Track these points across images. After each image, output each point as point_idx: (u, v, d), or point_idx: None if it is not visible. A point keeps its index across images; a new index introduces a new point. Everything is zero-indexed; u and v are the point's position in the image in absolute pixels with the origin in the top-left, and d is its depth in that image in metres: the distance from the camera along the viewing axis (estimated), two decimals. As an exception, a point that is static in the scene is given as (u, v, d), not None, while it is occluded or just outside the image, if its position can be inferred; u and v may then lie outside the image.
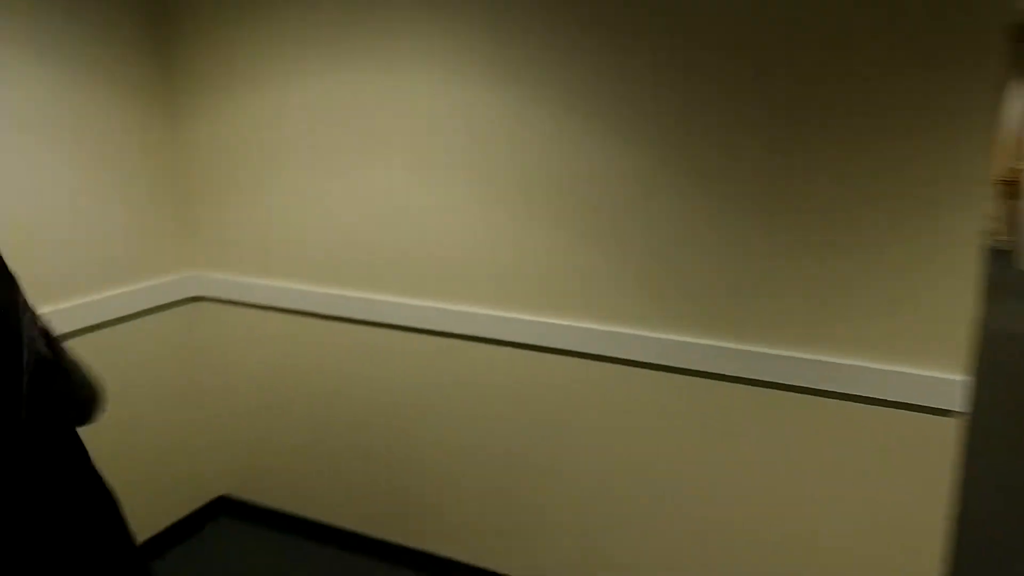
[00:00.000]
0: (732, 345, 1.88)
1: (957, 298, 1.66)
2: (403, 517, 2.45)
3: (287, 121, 2.28)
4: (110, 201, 2.28)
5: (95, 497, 1.10)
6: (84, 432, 1.10)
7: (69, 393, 1.08)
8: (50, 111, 2.07)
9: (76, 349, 2.21)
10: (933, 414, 1.73)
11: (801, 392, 1.85)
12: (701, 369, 1.93)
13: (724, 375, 1.92)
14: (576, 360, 2.07)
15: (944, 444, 1.73)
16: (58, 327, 2.12)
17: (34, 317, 1.03)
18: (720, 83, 1.76)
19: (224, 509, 2.78)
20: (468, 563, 2.38)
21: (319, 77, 2.19)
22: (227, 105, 2.37)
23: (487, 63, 1.97)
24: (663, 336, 1.95)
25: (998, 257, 8.40)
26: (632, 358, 1.99)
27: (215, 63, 2.35)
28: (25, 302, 1.01)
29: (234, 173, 2.42)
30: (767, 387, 1.88)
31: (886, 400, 1.77)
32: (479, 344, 2.19)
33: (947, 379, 1.69)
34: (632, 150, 1.88)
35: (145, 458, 2.46)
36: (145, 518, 2.49)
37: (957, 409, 1.70)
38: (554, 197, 1.99)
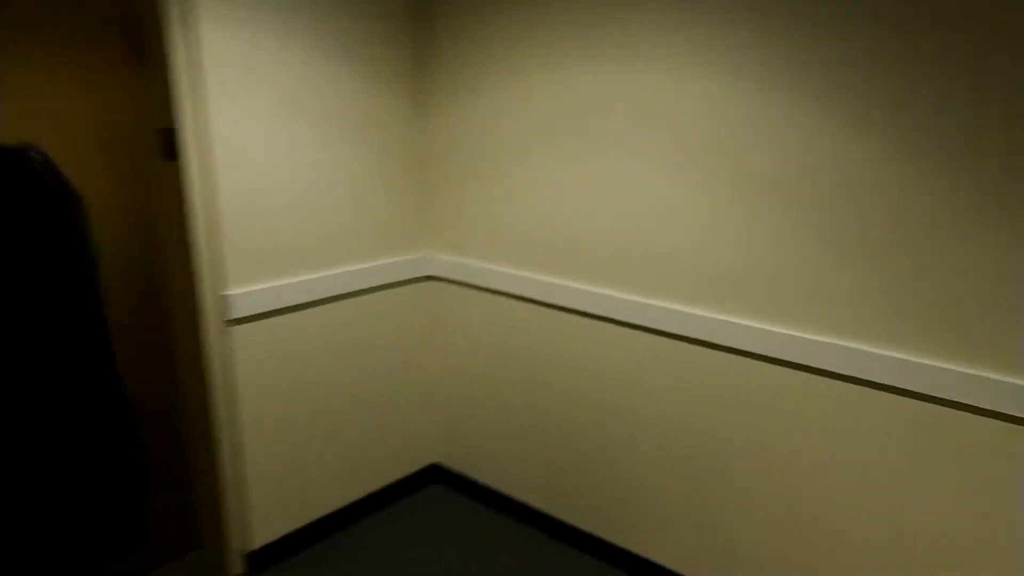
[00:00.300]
0: (995, 376, 1.64)
1: None
2: (601, 509, 2.45)
3: (526, 113, 2.38)
4: (368, 182, 2.53)
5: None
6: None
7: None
8: (325, 99, 2.35)
9: (333, 313, 2.50)
10: None
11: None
12: (956, 400, 1.70)
13: (983, 409, 1.68)
14: (804, 375, 1.93)
15: None
16: (318, 291, 2.40)
17: None
18: (1018, 87, 1.54)
19: (436, 477, 2.98)
20: (663, 565, 2.33)
21: (559, 71, 2.25)
22: (472, 96, 2.52)
23: (735, 59, 1.90)
24: (911, 358, 1.75)
25: None
26: (873, 379, 1.81)
27: (465, 56, 2.51)
28: None
29: (473, 161, 2.57)
30: (1039, 430, 1.62)
31: None
32: (696, 346, 2.12)
33: None
34: (898, 157, 1.70)
35: (372, 417, 2.71)
36: (365, 475, 2.74)
37: None
38: (797, 202, 1.86)
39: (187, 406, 2.39)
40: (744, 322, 2.00)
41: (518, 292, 2.51)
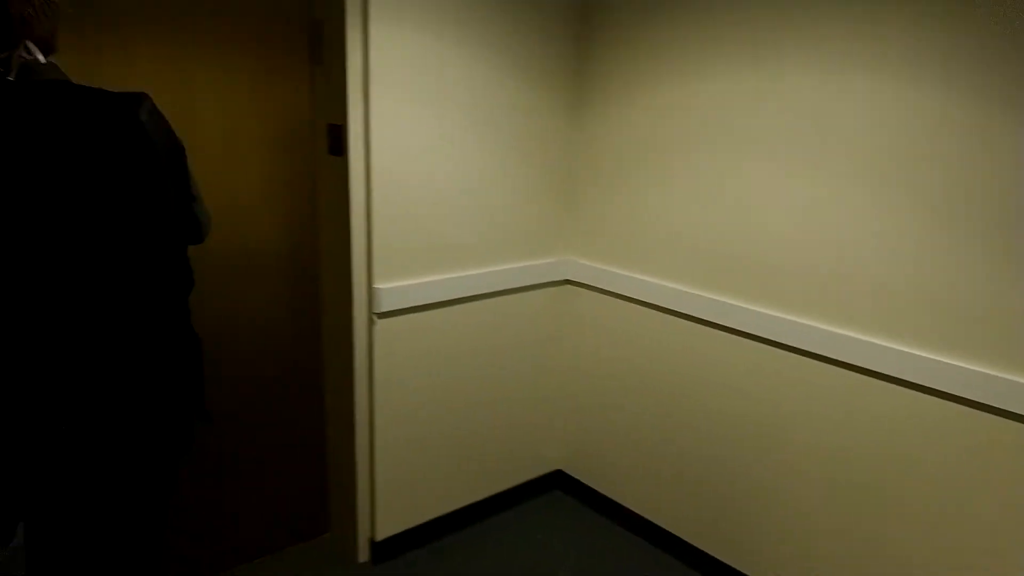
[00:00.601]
0: None
1: None
2: (734, 535, 2.35)
3: (680, 120, 2.30)
4: (517, 184, 2.51)
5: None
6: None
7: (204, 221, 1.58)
8: (482, 100, 2.35)
9: (471, 313, 2.51)
10: None
11: None
12: None
13: None
14: (989, 417, 1.77)
15: None
16: (458, 290, 2.42)
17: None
18: None
19: (559, 483, 2.95)
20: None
21: (718, 76, 2.16)
22: (626, 102, 2.46)
23: (904, 60, 1.76)
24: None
25: None
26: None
27: (621, 60, 2.45)
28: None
29: (622, 167, 2.52)
30: None
31: None
32: (847, 371, 1.98)
33: None
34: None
35: (500, 419, 2.70)
36: (490, 476, 2.73)
37: None
38: (984, 217, 1.70)
39: (329, 393, 2.45)
40: (916, 352, 1.85)
41: (659, 302, 2.44)
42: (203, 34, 2.02)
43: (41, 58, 1.30)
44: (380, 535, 2.46)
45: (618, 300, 2.60)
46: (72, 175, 1.26)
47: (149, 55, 1.96)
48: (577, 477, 2.88)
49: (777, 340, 2.13)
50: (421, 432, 2.47)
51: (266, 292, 2.29)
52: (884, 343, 1.91)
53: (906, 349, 1.87)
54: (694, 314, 2.34)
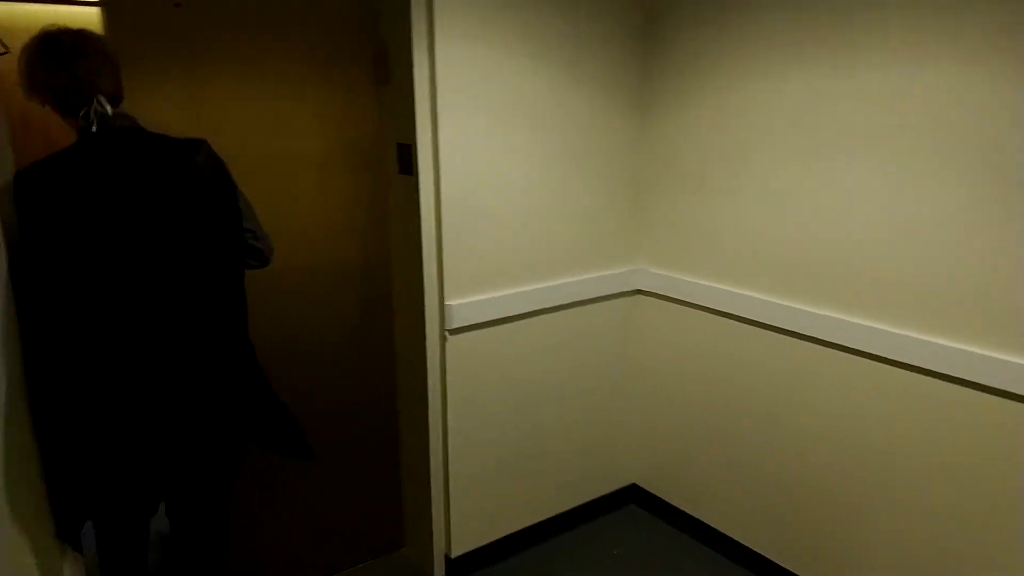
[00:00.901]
0: None
1: None
2: (813, 552, 2.25)
3: (754, 123, 2.22)
4: (584, 195, 2.48)
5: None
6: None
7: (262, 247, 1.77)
8: (547, 112, 2.32)
9: (542, 326, 2.48)
10: None
11: None
12: None
13: None
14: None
15: None
16: (528, 304, 2.39)
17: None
18: None
19: (634, 497, 2.89)
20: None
21: (795, 76, 2.08)
22: (696, 105, 2.40)
23: (992, 49, 1.64)
24: None
25: None
26: None
27: (690, 63, 2.39)
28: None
29: (693, 172, 2.45)
30: None
31: None
32: (953, 385, 1.87)
33: None
34: None
35: (574, 432, 2.66)
36: (564, 491, 2.69)
37: None
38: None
39: (403, 410, 2.46)
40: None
41: (736, 311, 2.36)
42: (281, 60, 2.07)
43: (110, 109, 1.55)
44: (455, 551, 2.45)
45: (692, 309, 2.53)
46: (144, 207, 1.53)
47: (232, 84, 2.02)
48: (652, 491, 2.82)
49: (866, 350, 2.03)
50: (494, 448, 2.45)
51: (340, 307, 2.32)
52: (990, 353, 1.80)
53: (1013, 359, 1.76)
54: (772, 323, 2.26)
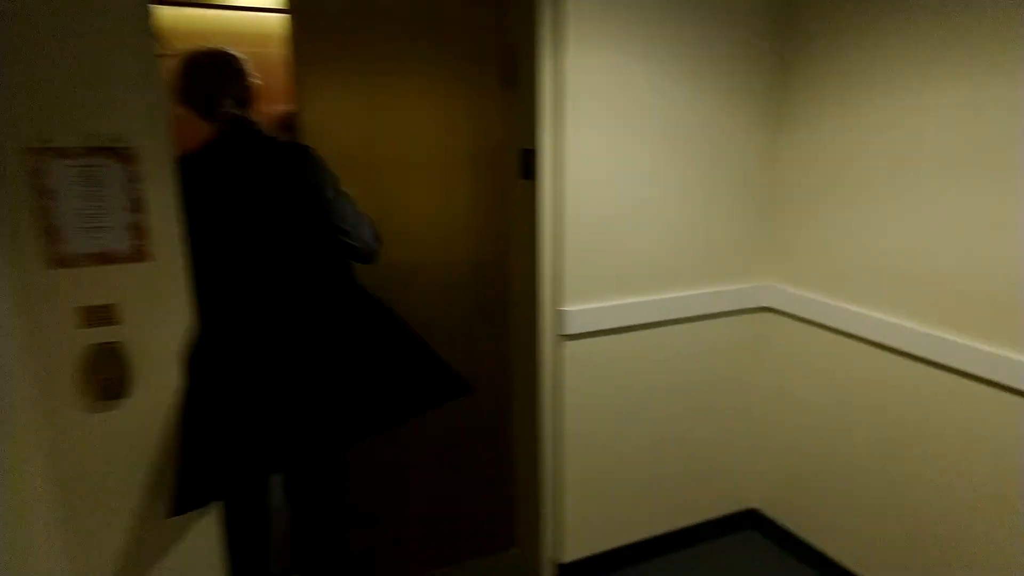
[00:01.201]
0: None
1: None
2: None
3: (893, 137, 2.05)
4: (711, 204, 2.39)
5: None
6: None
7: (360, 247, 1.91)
8: (674, 118, 2.26)
9: (662, 338, 2.42)
10: None
11: None
12: None
13: None
14: None
15: None
16: (646, 315, 2.34)
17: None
18: None
19: (753, 523, 2.75)
20: None
21: (936, 92, 1.89)
22: (838, 113, 2.25)
23: None
24: None
25: None
26: None
27: (832, 70, 2.24)
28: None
29: (829, 185, 2.30)
30: None
31: None
32: None
33: None
34: None
35: (691, 450, 2.57)
36: (679, 508, 2.61)
37: None
38: None
39: (517, 411, 2.48)
40: None
41: (872, 337, 2.18)
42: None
43: (237, 111, 1.85)
44: (566, 558, 2.44)
45: (825, 331, 2.37)
46: (247, 194, 1.82)
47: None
48: (774, 518, 2.67)
49: (1003, 383, 1.82)
50: (608, 456, 2.42)
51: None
52: None
53: None
54: (913, 352, 2.07)
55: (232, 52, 1.90)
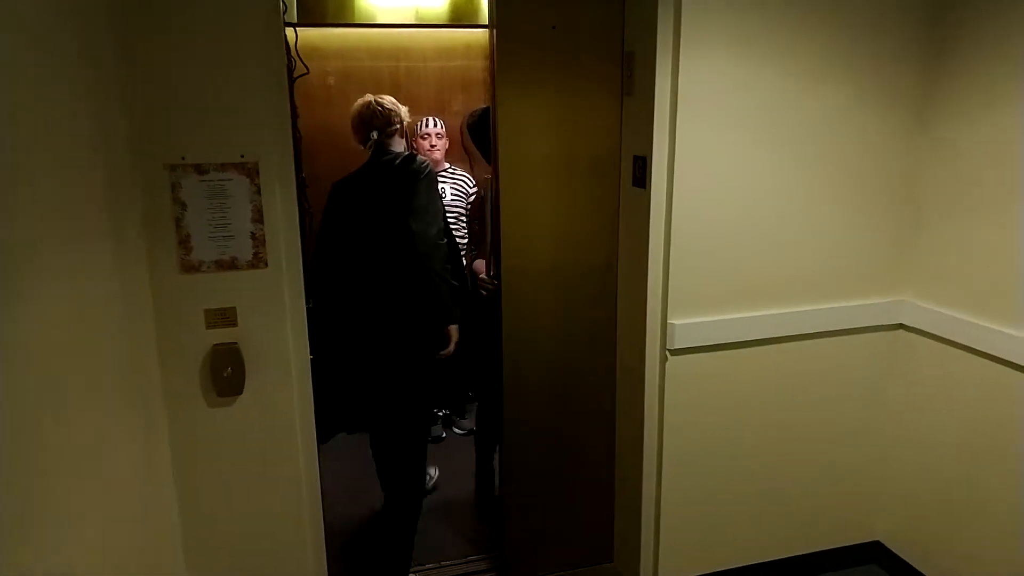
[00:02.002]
0: None
1: None
2: None
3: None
4: (840, 214, 2.22)
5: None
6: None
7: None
8: (799, 122, 2.12)
9: (778, 355, 2.29)
10: None
11: None
12: None
13: None
14: None
15: None
16: (762, 331, 2.22)
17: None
18: None
19: (876, 556, 2.55)
20: None
21: None
22: (988, 119, 2.02)
23: None
24: None
25: None
26: None
27: (980, 67, 2.01)
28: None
29: (977, 192, 2.07)
30: None
31: None
32: None
33: None
34: None
35: (806, 475, 2.41)
36: (791, 536, 2.46)
37: None
38: None
39: (621, 425, 2.44)
40: None
41: (1018, 361, 1.95)
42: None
43: (375, 135, 2.42)
44: None
45: (967, 353, 2.14)
46: (379, 205, 2.37)
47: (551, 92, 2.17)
48: (900, 554, 2.46)
49: None
50: (713, 477, 2.32)
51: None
52: None
53: None
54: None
55: (380, 101, 2.44)
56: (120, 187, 1.58)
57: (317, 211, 2.40)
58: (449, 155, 3.35)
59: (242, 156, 1.71)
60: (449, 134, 3.30)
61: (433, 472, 3.16)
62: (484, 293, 2.62)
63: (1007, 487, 2.06)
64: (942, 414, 2.26)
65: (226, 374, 1.77)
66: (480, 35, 3.62)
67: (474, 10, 3.53)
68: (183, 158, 1.68)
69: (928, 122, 2.22)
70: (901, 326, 2.36)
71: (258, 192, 1.74)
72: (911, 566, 2.41)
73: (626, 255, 2.28)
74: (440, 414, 3.60)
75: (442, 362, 2.46)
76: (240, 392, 1.80)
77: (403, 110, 2.48)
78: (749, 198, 2.13)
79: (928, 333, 2.28)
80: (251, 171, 1.73)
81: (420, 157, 2.45)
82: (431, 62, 3.48)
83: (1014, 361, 1.99)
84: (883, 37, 2.13)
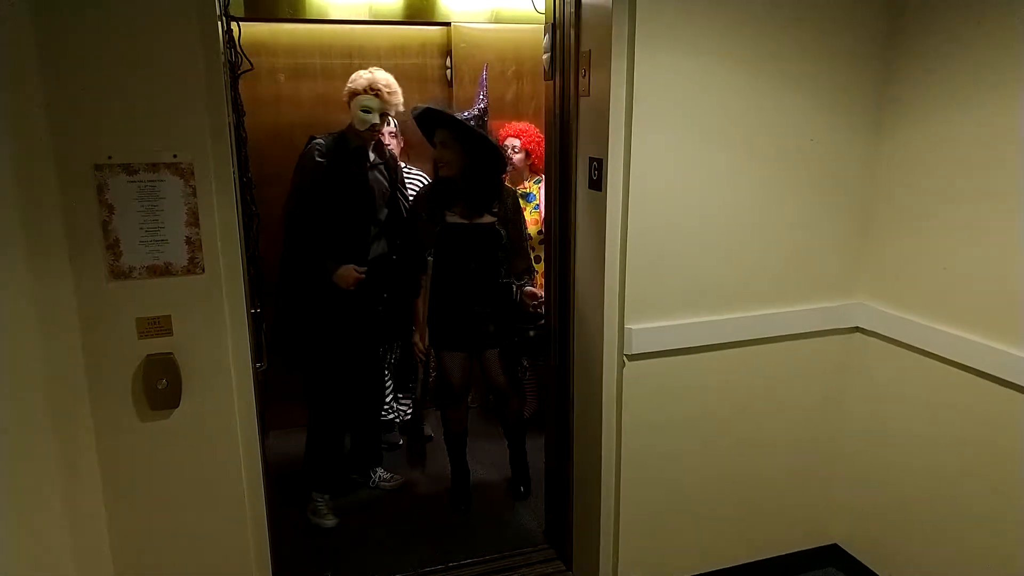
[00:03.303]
0: None
1: None
2: None
3: (1012, 147, 1.81)
4: (796, 216, 2.20)
5: None
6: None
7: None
8: (752, 126, 2.09)
9: (735, 360, 2.26)
10: None
11: None
12: None
13: None
14: None
15: None
16: (718, 335, 2.19)
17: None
18: None
19: (834, 559, 2.55)
20: None
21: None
22: (939, 120, 2.02)
23: None
24: None
25: None
26: None
27: (940, 74, 2.01)
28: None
29: (934, 196, 2.07)
30: None
31: None
32: None
33: None
34: None
35: (764, 480, 2.39)
36: (748, 541, 2.44)
37: None
38: None
39: (578, 430, 2.39)
40: None
41: (984, 367, 1.95)
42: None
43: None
44: (622, 582, 2.34)
45: (923, 356, 2.14)
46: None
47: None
48: (857, 557, 2.46)
49: None
50: (672, 483, 2.29)
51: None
52: None
53: None
54: (1007, 378, 1.84)
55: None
56: (38, 188, 1.47)
57: (265, 214, 2.30)
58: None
59: (175, 156, 1.62)
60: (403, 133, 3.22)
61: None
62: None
63: (961, 489, 2.06)
64: (897, 417, 2.26)
65: (161, 386, 1.67)
66: (436, 32, 3.54)
67: (430, 7, 3.45)
68: (110, 157, 1.57)
69: (883, 124, 2.22)
70: (858, 329, 2.36)
71: (193, 194, 1.65)
72: (868, 568, 2.41)
73: (582, 259, 2.23)
74: (398, 421, 3.52)
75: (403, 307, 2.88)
76: (177, 405, 1.71)
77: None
78: (706, 201, 2.10)
79: (883, 336, 2.28)
80: (185, 172, 1.63)
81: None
82: (385, 60, 3.39)
83: (967, 364, 2.00)
84: (842, 37, 2.12)
